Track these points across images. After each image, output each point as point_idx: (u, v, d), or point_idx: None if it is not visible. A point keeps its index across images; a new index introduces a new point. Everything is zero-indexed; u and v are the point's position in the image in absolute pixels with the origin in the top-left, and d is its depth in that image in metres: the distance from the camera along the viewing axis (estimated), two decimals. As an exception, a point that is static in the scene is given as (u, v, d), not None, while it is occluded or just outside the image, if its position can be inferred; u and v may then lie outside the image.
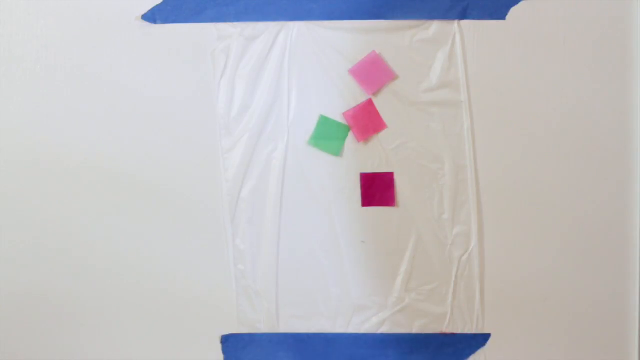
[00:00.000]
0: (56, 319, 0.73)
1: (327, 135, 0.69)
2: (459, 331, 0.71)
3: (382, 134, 0.69)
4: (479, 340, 0.71)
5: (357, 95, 0.69)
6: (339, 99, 0.69)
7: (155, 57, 0.69)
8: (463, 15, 0.67)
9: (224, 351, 0.72)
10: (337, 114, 0.69)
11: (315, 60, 0.68)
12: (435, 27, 0.67)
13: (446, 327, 0.71)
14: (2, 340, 0.73)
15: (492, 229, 0.69)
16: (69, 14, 0.69)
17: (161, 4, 0.68)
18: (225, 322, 0.72)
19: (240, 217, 0.71)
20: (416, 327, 0.71)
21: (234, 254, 0.71)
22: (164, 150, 0.70)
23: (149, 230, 0.71)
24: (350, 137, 0.69)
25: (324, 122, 0.69)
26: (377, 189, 0.69)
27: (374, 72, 0.68)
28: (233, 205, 0.70)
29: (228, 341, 0.72)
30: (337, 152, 0.69)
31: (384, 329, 0.71)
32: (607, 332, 0.70)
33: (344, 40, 0.68)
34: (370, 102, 0.69)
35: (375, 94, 0.68)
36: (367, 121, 0.69)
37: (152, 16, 0.68)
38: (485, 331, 0.71)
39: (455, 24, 0.67)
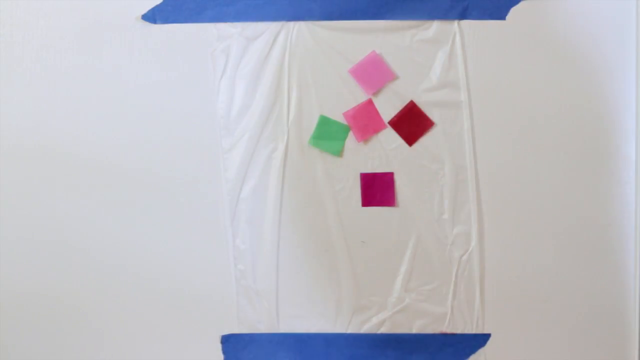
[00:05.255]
0: (56, 318, 0.73)
1: (327, 135, 0.69)
2: (459, 331, 0.71)
3: (382, 134, 0.69)
4: (479, 340, 0.71)
5: (357, 95, 0.69)
6: (339, 99, 0.69)
7: (155, 57, 0.69)
8: (463, 15, 0.67)
9: (224, 351, 0.72)
10: (337, 114, 0.69)
11: (315, 60, 0.68)
12: (435, 27, 0.67)
13: (446, 327, 0.71)
14: (2, 340, 0.73)
15: (492, 229, 0.69)
16: (69, 14, 0.69)
17: (161, 4, 0.68)
18: (225, 322, 0.72)
19: (240, 217, 0.71)
20: (416, 327, 0.71)
21: (234, 254, 0.71)
22: (164, 150, 0.70)
23: (149, 230, 0.71)
24: (350, 137, 0.69)
25: (324, 122, 0.69)
26: (377, 189, 0.69)
27: (374, 72, 0.68)
28: (233, 205, 0.70)
29: (228, 341, 0.72)
30: (337, 152, 0.69)
31: (384, 329, 0.71)
32: (607, 332, 0.70)
33: (344, 40, 0.68)
34: (370, 102, 0.69)
35: (375, 94, 0.68)
36: (367, 121, 0.69)
37: (152, 16, 0.68)
38: (485, 331, 0.71)
39: (455, 24, 0.67)
